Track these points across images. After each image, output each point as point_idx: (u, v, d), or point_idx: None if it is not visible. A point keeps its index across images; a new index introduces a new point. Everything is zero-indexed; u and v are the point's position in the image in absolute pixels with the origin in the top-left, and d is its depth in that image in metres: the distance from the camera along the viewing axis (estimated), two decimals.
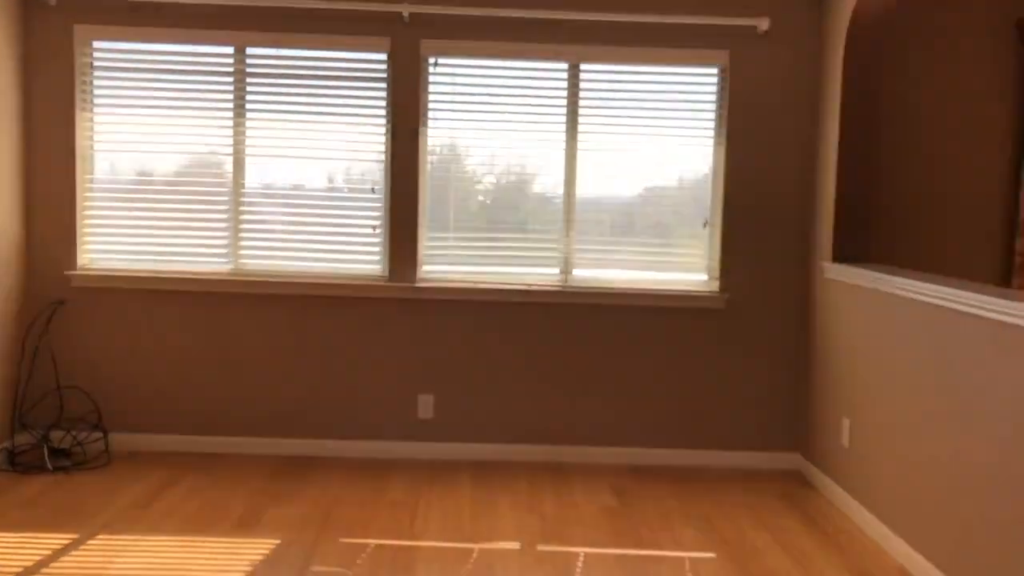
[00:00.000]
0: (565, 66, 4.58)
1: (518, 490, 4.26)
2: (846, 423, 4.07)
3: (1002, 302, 2.88)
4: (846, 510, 4.03)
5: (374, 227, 4.64)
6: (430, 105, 4.59)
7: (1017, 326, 2.81)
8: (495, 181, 4.80)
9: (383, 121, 4.59)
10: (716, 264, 4.64)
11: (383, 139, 4.59)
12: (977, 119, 4.55)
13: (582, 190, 4.64)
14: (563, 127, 4.60)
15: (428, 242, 4.66)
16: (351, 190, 4.74)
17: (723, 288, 4.63)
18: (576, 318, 4.63)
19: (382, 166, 4.61)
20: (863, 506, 3.88)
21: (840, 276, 4.19)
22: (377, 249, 4.66)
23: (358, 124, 4.62)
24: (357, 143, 4.64)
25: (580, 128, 4.60)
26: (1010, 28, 4.51)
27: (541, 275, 4.68)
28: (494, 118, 4.64)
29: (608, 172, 4.68)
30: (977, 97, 4.54)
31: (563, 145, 4.61)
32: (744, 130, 4.57)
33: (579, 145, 4.61)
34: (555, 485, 4.34)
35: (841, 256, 4.29)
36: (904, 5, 4.35)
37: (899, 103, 4.51)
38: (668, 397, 4.67)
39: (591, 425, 4.67)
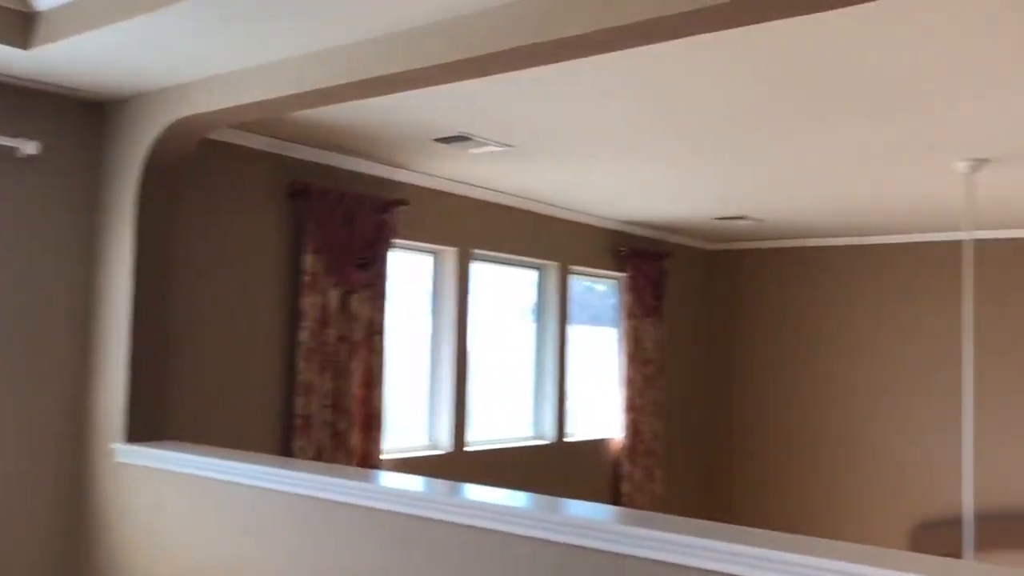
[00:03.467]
0: None
1: None
2: None
3: (298, 475, 2.67)
4: None
5: None
6: None
7: (317, 498, 2.61)
8: None
9: None
10: None
11: None
12: (257, 280, 4.41)
13: None
14: None
15: None
16: None
17: None
18: None
19: None
20: None
21: (134, 459, 3.48)
22: None
23: None
24: None
25: None
26: (285, 190, 4.54)
27: None
28: None
29: None
30: (258, 258, 4.41)
31: None
32: None
33: None
34: None
35: (135, 436, 3.58)
36: (200, 156, 3.99)
37: (189, 263, 4.08)
38: None
39: None
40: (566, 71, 3.26)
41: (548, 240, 6.33)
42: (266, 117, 3.58)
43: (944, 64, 3.03)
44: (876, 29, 2.74)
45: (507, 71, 2.76)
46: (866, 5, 2.53)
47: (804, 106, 3.58)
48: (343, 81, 2.93)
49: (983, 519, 6.48)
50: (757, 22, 2.26)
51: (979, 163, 4.51)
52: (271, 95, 3.12)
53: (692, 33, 2.37)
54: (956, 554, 6.53)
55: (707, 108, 3.66)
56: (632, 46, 2.48)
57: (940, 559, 2.00)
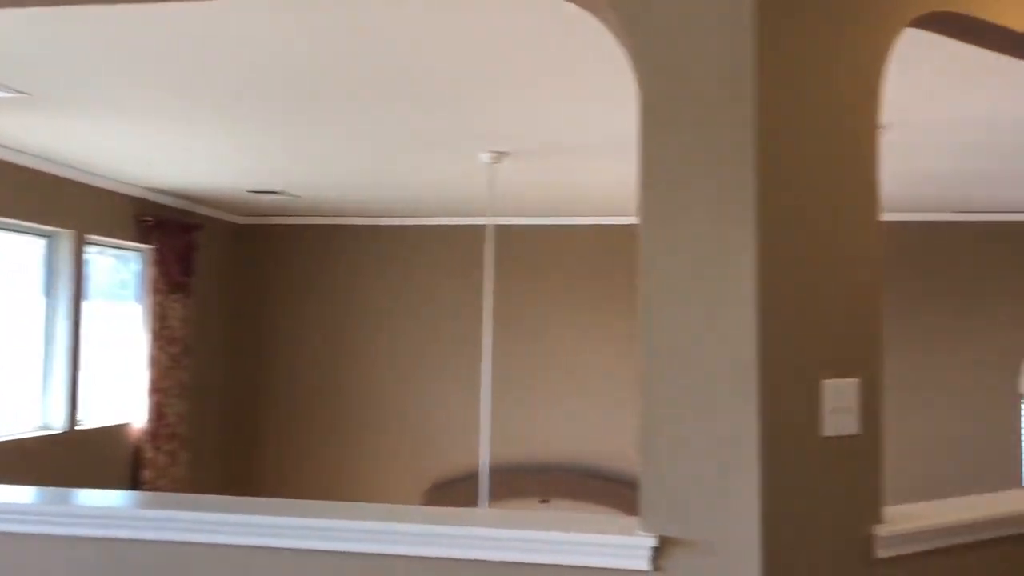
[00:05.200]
0: None
1: None
2: None
3: None
4: None
5: None
6: None
7: None
8: None
9: None
10: None
11: None
12: None
13: None
14: None
15: None
16: None
17: None
18: None
19: None
20: None
21: None
22: None
23: None
24: None
25: None
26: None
27: None
28: None
29: None
30: None
31: None
32: None
33: None
34: None
35: None
36: None
37: None
38: None
39: None
40: (92, 13, 2.89)
41: (61, 205, 5.62)
42: None
43: (474, 62, 3.28)
44: (419, 20, 2.86)
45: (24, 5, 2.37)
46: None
47: (346, 86, 3.63)
48: None
49: (495, 473, 7.25)
50: None
51: (500, 155, 4.99)
52: None
53: None
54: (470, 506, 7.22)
55: (245, 77, 3.52)
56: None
57: (441, 509, 2.19)
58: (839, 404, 1.99)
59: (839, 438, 1.99)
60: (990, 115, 3.96)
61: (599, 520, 2.01)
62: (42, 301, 5.71)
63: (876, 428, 2.05)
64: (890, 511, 2.18)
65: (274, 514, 2.09)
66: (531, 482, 7.20)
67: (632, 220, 7.24)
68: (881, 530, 2.03)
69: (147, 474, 6.46)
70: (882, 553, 2.04)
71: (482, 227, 7.53)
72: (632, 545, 1.88)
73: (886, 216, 6.08)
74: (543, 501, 7.22)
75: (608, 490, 7.07)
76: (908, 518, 2.15)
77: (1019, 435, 6.62)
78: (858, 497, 2.01)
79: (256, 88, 3.69)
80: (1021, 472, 6.58)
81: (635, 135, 4.35)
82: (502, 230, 7.49)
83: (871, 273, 2.06)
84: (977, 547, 2.25)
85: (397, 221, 7.65)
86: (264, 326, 7.84)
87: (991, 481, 6.62)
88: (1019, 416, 6.63)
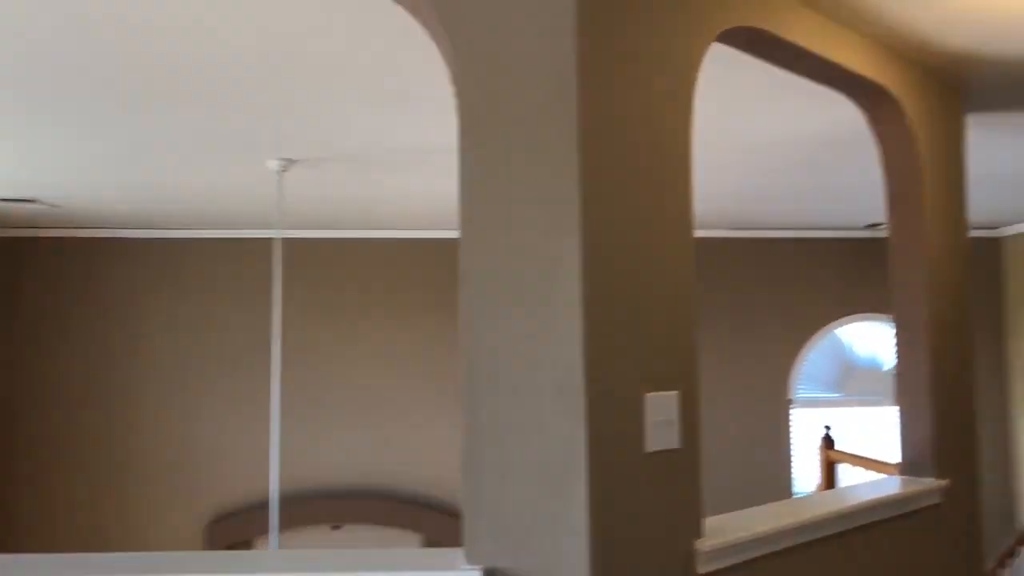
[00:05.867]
0: None
1: None
2: None
3: None
4: None
5: None
6: None
7: None
8: None
9: None
10: None
11: None
12: None
13: None
14: None
15: None
16: None
17: None
18: None
19: None
20: None
21: None
22: None
23: None
24: None
25: None
26: None
27: None
28: None
29: None
30: None
31: None
32: None
33: None
34: None
35: None
36: None
37: None
38: None
39: None
40: None
41: None
42: None
43: (264, 64, 3.04)
44: (198, 6, 2.60)
45: None
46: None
47: (120, 86, 3.26)
48: None
49: (285, 500, 6.85)
50: None
51: (289, 163, 4.71)
52: None
53: None
54: (255, 539, 6.77)
55: None
56: None
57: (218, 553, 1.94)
58: (661, 418, 1.95)
59: (661, 452, 1.95)
60: (761, 135, 4.18)
61: (418, 555, 1.84)
62: None
63: (695, 441, 2.03)
64: (706, 524, 2.18)
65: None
66: (323, 508, 6.89)
67: (437, 234, 7.13)
68: (702, 545, 2.01)
69: None
70: (702, 568, 2.02)
71: (269, 239, 7.14)
72: None
73: None
74: (335, 527, 6.93)
75: (403, 512, 6.89)
76: (722, 531, 2.15)
77: (789, 440, 7.10)
78: (680, 513, 1.98)
79: (9, 84, 3.24)
80: (790, 477, 7.06)
81: (440, 146, 4.24)
82: (293, 244, 7.14)
83: (687, 285, 2.04)
84: (786, 553, 2.29)
85: (174, 234, 7.10)
86: (15, 355, 7.00)
87: (768, 486, 7.05)
88: (789, 421, 7.11)
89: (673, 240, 2.01)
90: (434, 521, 6.87)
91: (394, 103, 3.53)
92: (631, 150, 1.93)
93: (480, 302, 1.82)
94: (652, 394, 1.93)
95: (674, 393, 1.98)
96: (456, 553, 1.84)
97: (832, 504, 2.50)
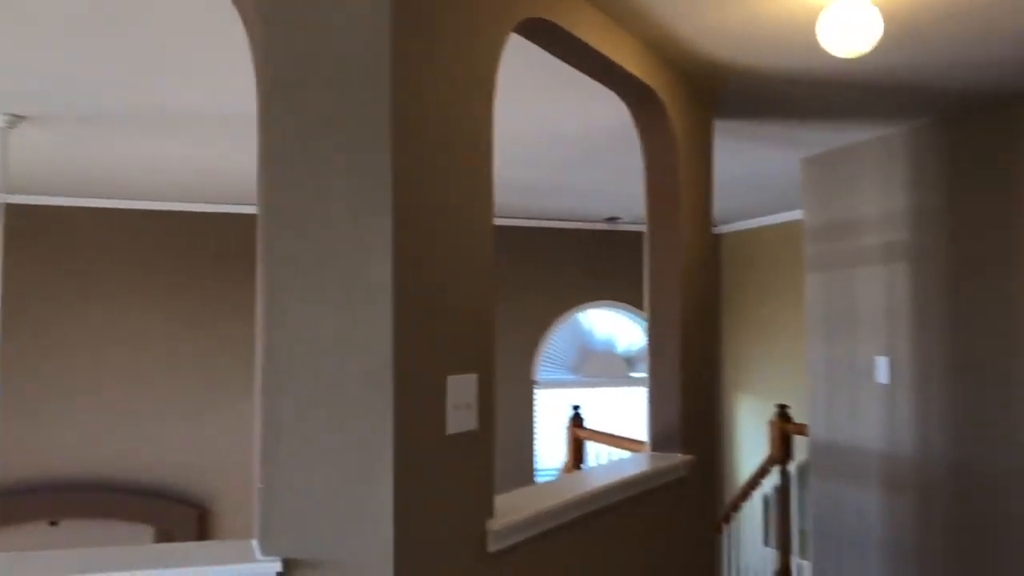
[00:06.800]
0: None
1: None
2: None
3: None
4: None
5: None
6: None
7: None
8: None
9: None
10: None
11: None
12: None
13: None
14: None
15: None
16: None
17: None
18: None
19: None
20: None
21: None
22: None
23: None
24: None
25: None
26: None
27: None
28: None
29: None
30: None
31: None
32: None
33: None
34: None
35: None
36: None
37: None
38: None
39: None
40: None
41: None
42: None
43: None
44: None
45: None
46: None
47: None
48: None
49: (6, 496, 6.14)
50: None
51: (16, 119, 4.20)
52: None
53: None
54: None
55: None
56: None
57: None
58: (460, 400, 1.96)
59: (460, 435, 1.96)
60: (534, 128, 4.31)
61: (207, 548, 1.72)
62: None
63: (490, 423, 2.06)
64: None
65: None
66: (38, 503, 6.25)
67: (200, 207, 6.64)
68: (493, 524, 2.05)
69: None
70: (492, 547, 2.06)
71: None
72: (253, 574, 1.64)
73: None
74: (52, 523, 6.32)
75: (130, 504, 6.41)
76: (510, 510, 2.20)
77: (532, 420, 7.41)
78: (475, 494, 2.00)
79: None
80: (533, 456, 7.37)
81: (195, 115, 3.96)
82: (21, 210, 6.37)
83: (486, 267, 2.06)
84: (567, 527, 2.39)
85: None
86: None
87: (513, 465, 7.31)
88: (533, 402, 7.42)
89: (476, 224, 2.02)
90: (165, 512, 6.46)
91: (147, 60, 3.25)
92: (439, 135, 1.91)
93: (282, 282, 1.73)
94: (453, 377, 1.93)
95: (473, 376, 2.00)
96: (246, 544, 1.75)
97: (605, 479, 2.64)
